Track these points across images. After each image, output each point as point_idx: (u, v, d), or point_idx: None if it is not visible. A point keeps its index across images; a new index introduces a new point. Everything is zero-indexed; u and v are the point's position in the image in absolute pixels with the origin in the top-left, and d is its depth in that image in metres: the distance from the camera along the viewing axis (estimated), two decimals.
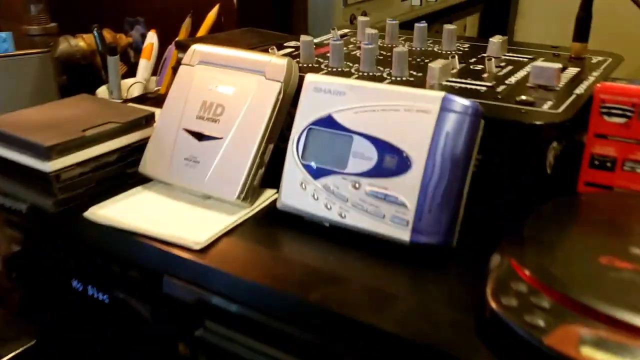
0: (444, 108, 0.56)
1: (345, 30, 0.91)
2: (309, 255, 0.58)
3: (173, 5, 1.20)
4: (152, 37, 1.07)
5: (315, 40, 0.85)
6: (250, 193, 0.65)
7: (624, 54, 0.79)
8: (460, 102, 0.56)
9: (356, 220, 0.59)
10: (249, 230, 0.63)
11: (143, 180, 0.71)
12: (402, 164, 0.57)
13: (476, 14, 1.82)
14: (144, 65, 1.06)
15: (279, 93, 0.65)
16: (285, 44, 0.83)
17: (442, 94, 0.56)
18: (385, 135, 0.58)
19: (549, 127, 0.58)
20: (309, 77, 0.63)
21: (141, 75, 1.06)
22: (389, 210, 0.57)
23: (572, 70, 0.71)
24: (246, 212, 0.65)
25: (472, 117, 0.55)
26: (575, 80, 0.68)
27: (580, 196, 0.62)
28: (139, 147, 0.71)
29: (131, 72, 1.11)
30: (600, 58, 0.76)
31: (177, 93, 0.71)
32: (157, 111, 0.74)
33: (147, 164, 0.70)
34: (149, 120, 0.73)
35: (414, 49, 0.81)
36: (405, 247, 0.57)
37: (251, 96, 0.66)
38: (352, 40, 0.87)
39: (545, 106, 0.60)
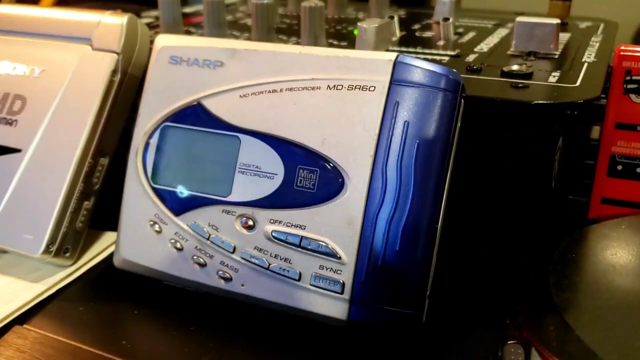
0: (398, 80, 0.31)
1: (232, 0, 0.66)
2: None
3: None
4: None
5: (187, 11, 0.59)
6: (69, 242, 0.38)
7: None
8: (426, 68, 0.32)
9: (250, 285, 0.33)
10: (68, 309, 0.36)
11: None
12: (330, 184, 0.32)
13: None
14: None
15: (115, 71, 0.39)
16: (142, 14, 0.57)
17: (392, 55, 0.32)
18: (297, 134, 0.33)
19: (568, 109, 0.35)
20: (162, 40, 0.37)
21: None
22: (308, 266, 0.32)
23: (562, 36, 0.49)
24: (63, 276, 0.38)
25: (447, 93, 0.31)
26: (573, 47, 0.46)
27: (610, 226, 0.39)
28: None
29: None
30: (589, 23, 0.55)
31: None
32: None
33: None
34: None
35: (330, 17, 0.57)
36: (340, 327, 0.32)
37: (69, 79, 0.39)
38: (240, 9, 0.61)
39: (552, 79, 0.38)
